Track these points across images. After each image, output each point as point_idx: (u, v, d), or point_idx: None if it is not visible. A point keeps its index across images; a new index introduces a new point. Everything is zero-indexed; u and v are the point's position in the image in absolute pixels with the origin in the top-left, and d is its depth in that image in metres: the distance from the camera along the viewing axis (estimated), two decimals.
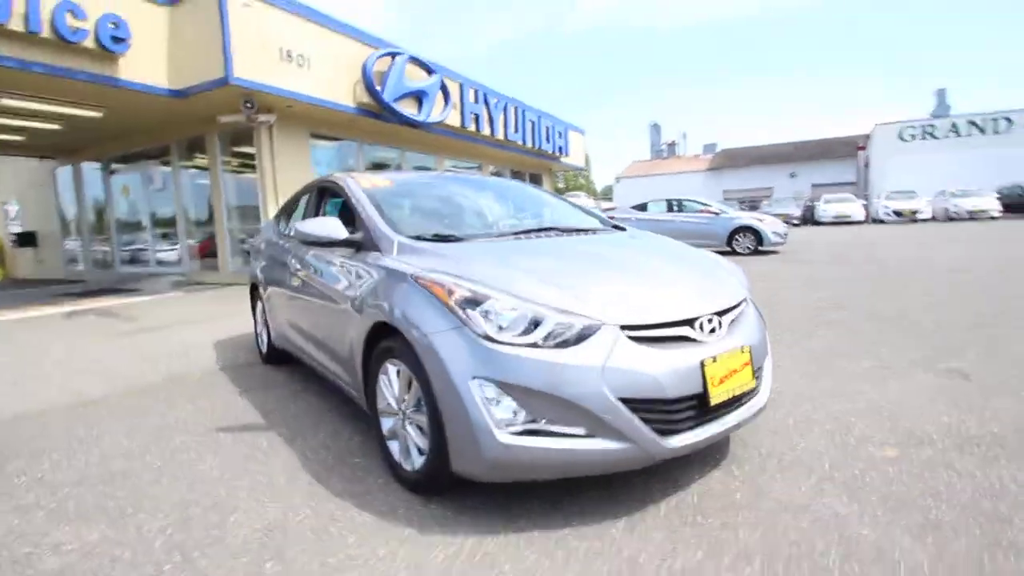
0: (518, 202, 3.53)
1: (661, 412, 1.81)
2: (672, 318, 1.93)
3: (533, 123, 15.09)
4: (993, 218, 20.15)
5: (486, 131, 12.88)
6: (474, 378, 1.78)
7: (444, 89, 11.07)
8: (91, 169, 12.35)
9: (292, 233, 3.48)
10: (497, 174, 16.16)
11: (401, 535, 1.85)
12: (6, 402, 3.57)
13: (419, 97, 10.46)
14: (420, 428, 2.07)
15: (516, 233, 2.70)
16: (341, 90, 9.17)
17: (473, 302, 1.89)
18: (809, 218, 24.04)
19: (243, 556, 1.78)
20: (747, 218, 11.74)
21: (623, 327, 1.84)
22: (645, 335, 1.86)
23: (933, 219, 21.55)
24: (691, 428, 1.87)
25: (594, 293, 1.96)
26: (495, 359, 1.78)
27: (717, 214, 11.88)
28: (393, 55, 9.82)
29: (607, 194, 49.65)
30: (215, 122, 8.97)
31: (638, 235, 3.02)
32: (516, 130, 14.16)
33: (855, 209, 22.57)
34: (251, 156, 9.30)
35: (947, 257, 8.99)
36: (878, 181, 26.27)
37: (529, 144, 14.99)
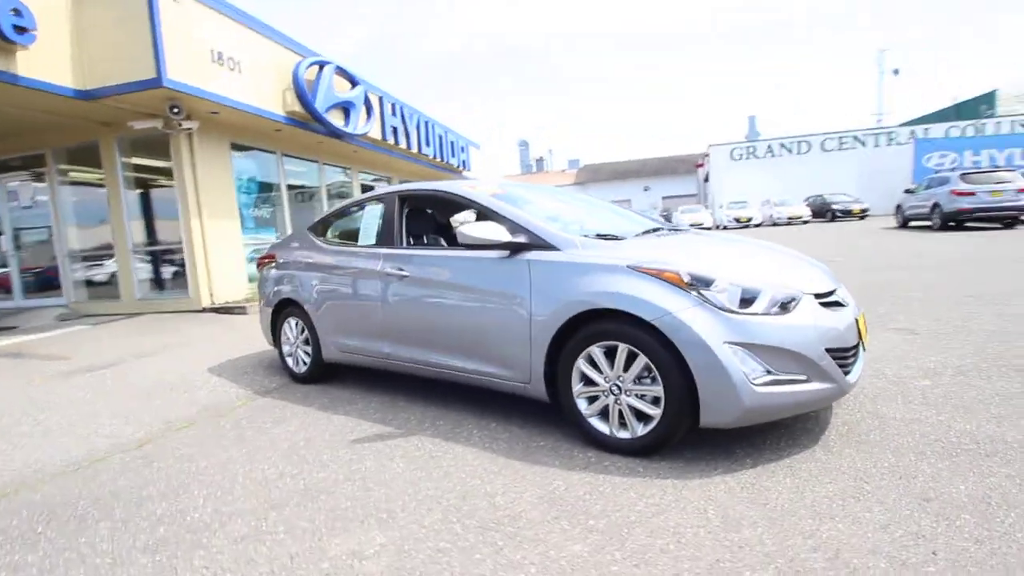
0: (599, 208, 3.93)
1: (842, 357, 2.39)
2: (827, 289, 2.54)
3: (441, 137, 15.33)
4: (805, 222, 24.98)
5: (403, 144, 12.85)
6: (725, 343, 2.19)
7: (367, 101, 10.91)
8: None
9: (398, 245, 3.54)
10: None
11: (669, 484, 2.18)
12: (77, 454, 3.03)
13: (346, 108, 10.18)
14: (641, 398, 2.40)
15: (646, 232, 3.14)
16: (270, 97, 8.62)
17: (704, 283, 2.30)
18: None
19: (563, 520, 1.97)
20: None
21: (814, 295, 2.40)
22: (824, 301, 2.44)
23: (761, 224, 26.04)
24: (853, 367, 2.48)
25: (771, 271, 2.49)
26: (739, 326, 2.21)
27: None
28: (321, 64, 9.46)
29: None
30: (116, 128, 7.88)
31: (704, 232, 3.64)
32: (428, 143, 14.29)
33: (705, 217, 26.37)
34: (152, 168, 8.32)
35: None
36: (716, 193, 30.86)
37: (439, 158, 15.19)
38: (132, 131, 7.65)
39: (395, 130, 12.38)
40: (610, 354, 2.47)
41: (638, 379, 2.40)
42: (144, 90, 6.65)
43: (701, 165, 36.67)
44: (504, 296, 2.82)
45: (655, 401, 2.37)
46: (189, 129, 7.71)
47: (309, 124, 9.46)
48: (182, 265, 8.31)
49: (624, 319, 2.39)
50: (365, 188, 13.42)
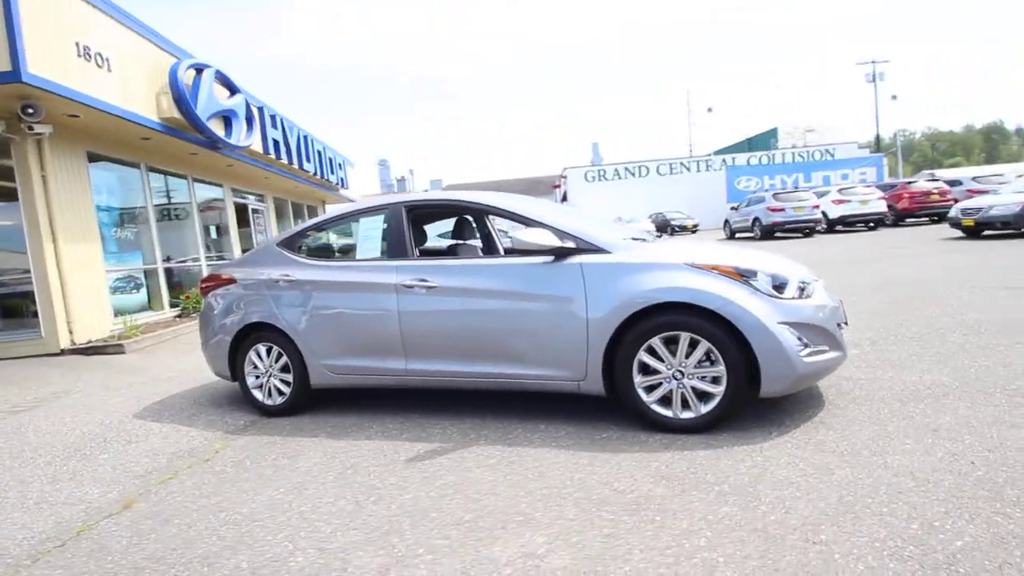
0: (584, 216, 4.18)
1: (840, 330, 2.96)
2: (818, 278, 3.12)
3: (320, 153, 14.51)
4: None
5: (284, 159, 11.94)
6: (778, 323, 2.60)
7: (249, 111, 9.99)
8: None
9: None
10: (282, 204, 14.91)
11: (748, 450, 2.50)
12: None
13: (228, 118, 9.22)
14: (703, 379, 2.71)
15: (655, 235, 3.49)
16: (142, 101, 7.48)
17: (751, 274, 2.70)
18: None
19: (691, 491, 2.17)
20: None
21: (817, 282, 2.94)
22: (823, 287, 3.00)
23: None
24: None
25: (779, 263, 2.99)
26: (784, 309, 2.64)
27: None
28: (199, 68, 8.46)
29: None
30: None
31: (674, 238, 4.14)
32: (308, 159, 13.44)
33: None
34: None
35: None
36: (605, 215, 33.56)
37: (319, 175, 14.34)
38: None
39: (276, 144, 11.48)
40: (668, 343, 2.74)
41: (698, 363, 2.70)
42: None
43: (558, 186, 39.46)
44: (555, 299, 2.94)
45: (714, 381, 2.70)
46: (40, 135, 6.37)
47: (186, 133, 8.39)
48: (28, 298, 6.76)
49: (686, 310, 2.69)
50: (239, 208, 12.16)
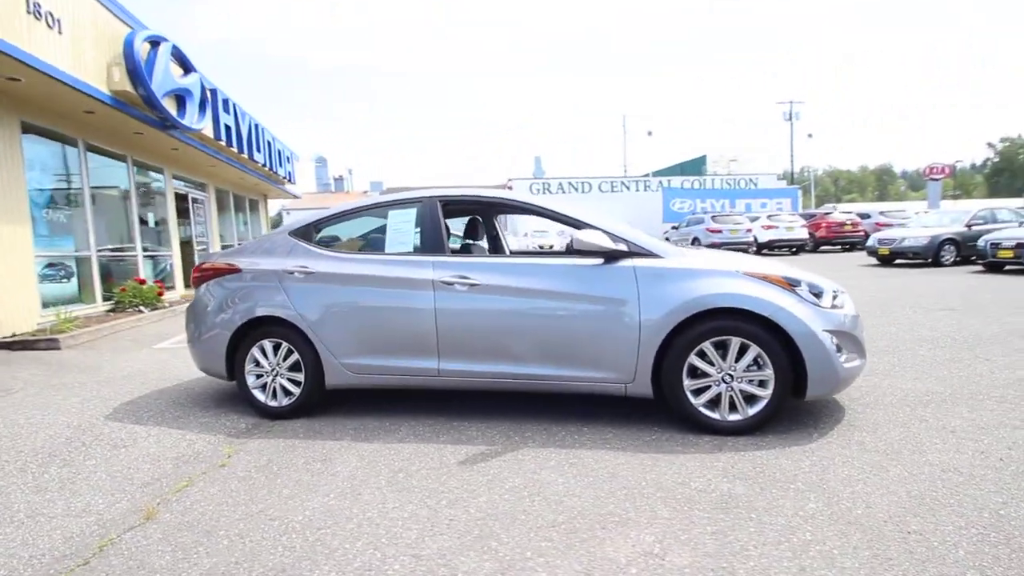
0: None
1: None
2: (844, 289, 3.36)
3: (270, 144, 13.72)
4: None
5: (235, 147, 11.18)
6: (823, 331, 2.77)
7: (203, 93, 9.28)
8: None
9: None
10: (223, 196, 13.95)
11: (799, 450, 2.63)
12: None
13: (182, 96, 8.52)
14: (751, 383, 2.82)
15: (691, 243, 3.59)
16: (92, 70, 6.75)
17: (795, 283, 2.86)
18: None
19: (770, 489, 2.24)
20: None
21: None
22: None
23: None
24: None
25: (806, 273, 3.19)
26: (826, 316, 2.82)
27: None
28: (155, 41, 7.76)
29: (277, 223, 46.10)
30: None
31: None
32: (259, 149, 12.67)
33: (554, 240, 28.89)
34: None
35: None
36: (521, 223, 33.87)
37: (268, 167, 13.55)
38: None
39: (228, 130, 10.74)
40: (717, 347, 2.84)
41: (747, 367, 2.82)
42: None
43: None
44: (608, 301, 2.96)
45: (760, 384, 2.82)
46: None
47: (135, 109, 7.66)
48: None
49: (737, 316, 2.80)
50: (179, 197, 11.23)
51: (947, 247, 12.84)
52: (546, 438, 2.95)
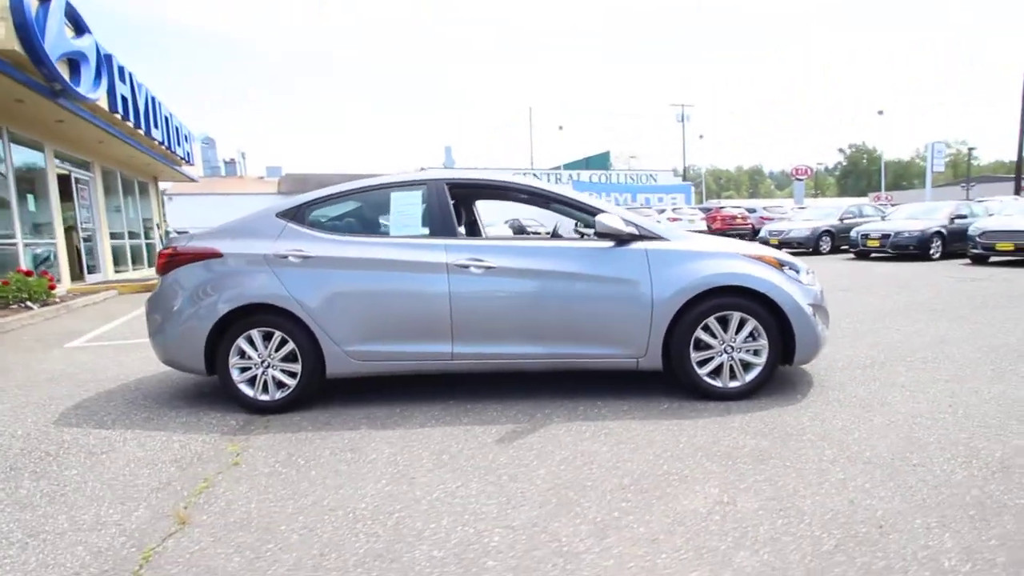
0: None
1: None
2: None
3: (167, 119, 12.30)
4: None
5: (131, 120, 9.91)
6: (808, 305, 3.16)
7: (99, 58, 8.14)
8: None
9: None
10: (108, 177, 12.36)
11: (794, 408, 3.00)
12: None
13: (76, 61, 7.41)
14: (748, 352, 3.16)
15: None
16: None
17: (784, 263, 3.23)
18: None
19: (788, 441, 2.55)
20: None
21: None
22: None
23: None
24: None
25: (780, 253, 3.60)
26: (807, 291, 3.22)
27: None
28: None
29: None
30: None
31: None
32: (156, 126, 11.32)
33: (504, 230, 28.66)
34: None
35: None
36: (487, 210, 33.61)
37: (166, 145, 12.15)
38: None
39: (124, 101, 9.51)
40: (720, 322, 3.14)
41: (745, 339, 3.15)
42: None
43: None
44: (622, 281, 3.14)
45: (755, 353, 3.16)
46: None
47: (20, 72, 6.57)
48: None
49: (739, 293, 3.11)
50: (61, 177, 9.77)
51: (824, 238, 14.78)
52: (567, 414, 3.07)
